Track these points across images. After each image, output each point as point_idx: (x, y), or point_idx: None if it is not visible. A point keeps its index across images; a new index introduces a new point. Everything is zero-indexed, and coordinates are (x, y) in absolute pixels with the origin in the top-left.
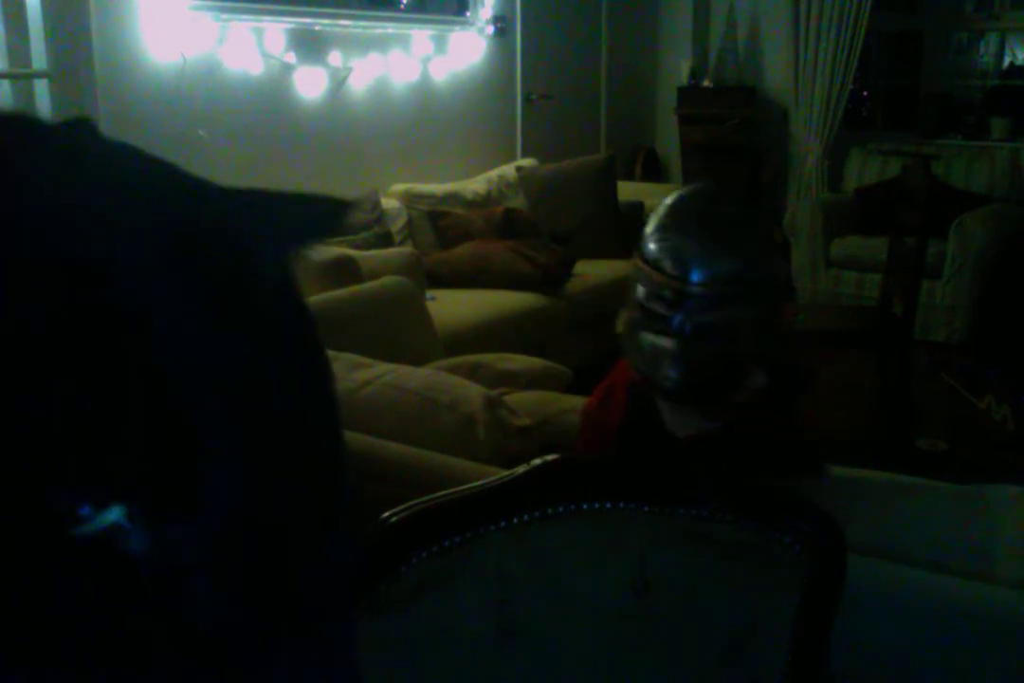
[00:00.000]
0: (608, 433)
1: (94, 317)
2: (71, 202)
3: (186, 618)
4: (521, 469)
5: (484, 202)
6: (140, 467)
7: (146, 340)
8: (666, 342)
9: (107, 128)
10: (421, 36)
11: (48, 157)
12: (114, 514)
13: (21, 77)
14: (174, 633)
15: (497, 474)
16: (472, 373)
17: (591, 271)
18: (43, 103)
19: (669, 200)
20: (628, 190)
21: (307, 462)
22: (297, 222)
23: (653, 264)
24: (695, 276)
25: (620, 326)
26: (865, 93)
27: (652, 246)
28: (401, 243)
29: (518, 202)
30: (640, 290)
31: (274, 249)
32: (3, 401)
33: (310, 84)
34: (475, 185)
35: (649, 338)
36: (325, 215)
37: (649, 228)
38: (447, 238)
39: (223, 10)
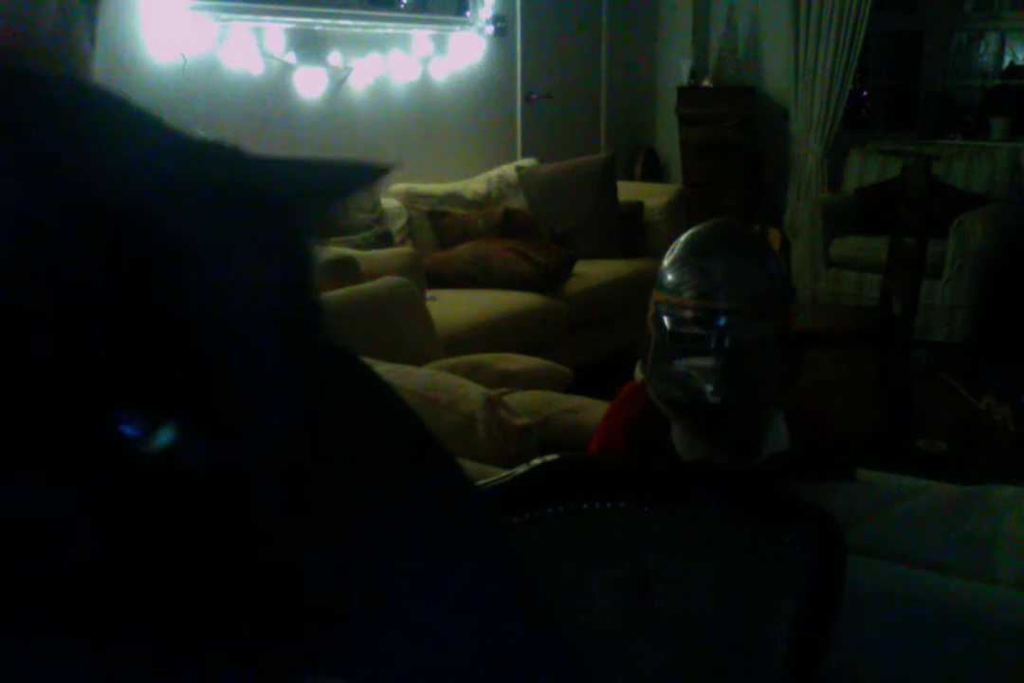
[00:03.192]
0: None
1: (136, 258)
2: (120, 156)
3: (253, 533)
4: (521, 469)
5: (484, 202)
6: (186, 386)
7: (189, 279)
8: (706, 361)
9: None
10: (421, 36)
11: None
12: (167, 434)
13: None
14: (243, 548)
15: (497, 474)
16: (472, 373)
17: (591, 271)
18: None
19: (682, 238)
20: (628, 190)
21: (360, 388)
22: (330, 182)
23: (675, 292)
24: (723, 294)
25: (638, 374)
26: (865, 93)
27: (671, 277)
28: (401, 243)
29: (518, 202)
30: (666, 322)
31: (310, 206)
32: (58, 334)
33: (310, 84)
34: (475, 185)
35: (685, 363)
36: (356, 176)
37: (665, 263)
38: (447, 238)
39: (223, 10)
